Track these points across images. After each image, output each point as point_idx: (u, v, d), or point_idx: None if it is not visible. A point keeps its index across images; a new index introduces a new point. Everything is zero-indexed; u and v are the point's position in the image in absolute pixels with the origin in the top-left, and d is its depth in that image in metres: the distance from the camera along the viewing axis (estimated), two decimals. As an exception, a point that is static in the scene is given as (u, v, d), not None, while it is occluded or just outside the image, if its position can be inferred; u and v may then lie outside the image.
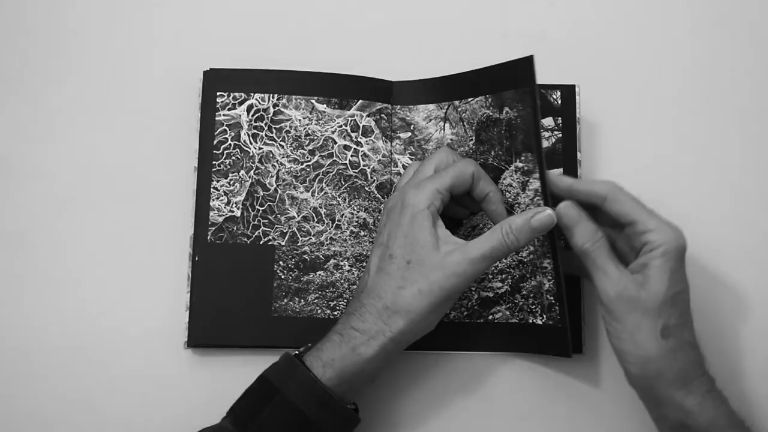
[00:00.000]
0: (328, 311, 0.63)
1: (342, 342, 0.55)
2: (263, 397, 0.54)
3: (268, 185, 0.65)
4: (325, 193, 0.65)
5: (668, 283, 0.53)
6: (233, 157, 0.64)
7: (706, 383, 0.54)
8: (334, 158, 0.65)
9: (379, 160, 0.66)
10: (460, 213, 0.63)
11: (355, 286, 0.64)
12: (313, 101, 0.65)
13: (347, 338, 0.55)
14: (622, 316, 0.54)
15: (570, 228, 0.56)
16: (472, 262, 0.55)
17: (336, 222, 0.65)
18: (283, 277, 0.63)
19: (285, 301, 0.63)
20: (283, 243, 0.64)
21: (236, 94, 0.65)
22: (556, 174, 0.59)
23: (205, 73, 0.65)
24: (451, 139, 0.65)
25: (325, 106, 0.66)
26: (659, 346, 0.53)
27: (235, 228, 0.64)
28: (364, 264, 0.64)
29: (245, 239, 0.64)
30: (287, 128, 0.65)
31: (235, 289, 0.63)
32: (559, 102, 0.66)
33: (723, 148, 0.67)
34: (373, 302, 0.56)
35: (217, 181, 0.64)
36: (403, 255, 0.56)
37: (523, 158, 0.62)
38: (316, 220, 0.65)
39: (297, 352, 0.57)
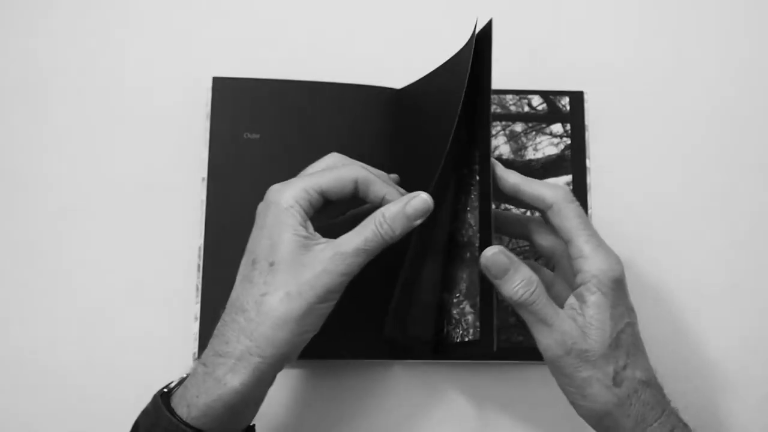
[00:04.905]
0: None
1: (206, 373, 0.48)
2: None
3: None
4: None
5: (609, 322, 0.48)
6: (242, 167, 0.64)
7: (667, 423, 0.49)
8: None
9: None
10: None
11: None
12: None
13: (211, 367, 0.48)
14: (571, 372, 0.48)
15: (500, 277, 0.50)
16: (344, 257, 0.49)
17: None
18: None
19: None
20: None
21: None
22: (503, 168, 0.53)
23: (214, 80, 0.65)
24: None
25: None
26: (614, 396, 0.48)
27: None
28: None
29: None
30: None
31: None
32: (568, 108, 0.66)
33: (735, 153, 0.68)
34: (236, 317, 0.49)
35: (226, 191, 0.64)
36: (266, 257, 0.49)
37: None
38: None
39: (166, 389, 0.51)
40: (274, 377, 0.51)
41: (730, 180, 0.67)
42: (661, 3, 0.71)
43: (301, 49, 0.69)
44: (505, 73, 0.66)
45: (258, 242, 0.50)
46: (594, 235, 0.50)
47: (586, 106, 0.66)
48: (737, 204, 0.67)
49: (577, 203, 0.52)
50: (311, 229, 0.50)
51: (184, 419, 0.48)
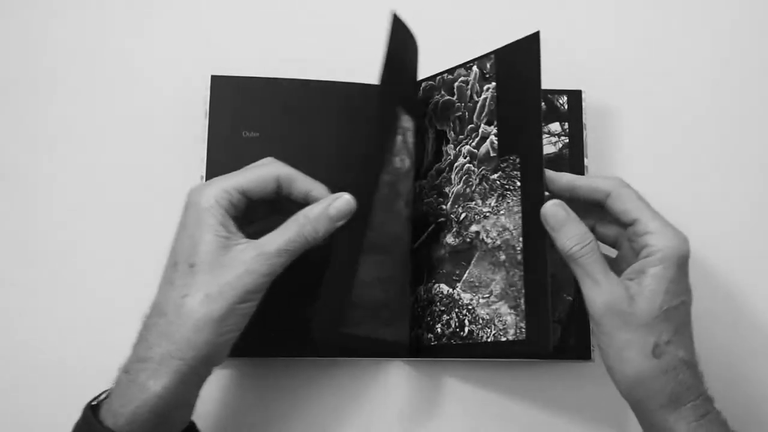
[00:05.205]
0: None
1: (129, 381, 0.48)
2: None
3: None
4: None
5: (664, 296, 0.48)
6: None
7: (702, 407, 0.49)
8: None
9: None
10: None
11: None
12: None
13: (134, 374, 0.48)
14: (611, 331, 0.49)
15: (557, 229, 0.51)
16: (267, 257, 0.49)
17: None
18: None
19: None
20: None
21: None
22: (553, 171, 0.55)
23: (213, 78, 0.65)
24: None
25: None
26: (650, 366, 0.48)
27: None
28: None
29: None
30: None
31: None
32: (566, 107, 0.66)
33: (732, 152, 0.67)
34: (157, 321, 0.49)
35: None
36: (186, 259, 0.49)
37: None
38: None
39: (95, 402, 0.50)
40: (200, 379, 0.50)
41: (730, 178, 0.67)
42: (660, 1, 0.70)
43: (300, 47, 0.69)
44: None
45: (179, 244, 0.50)
46: (658, 214, 0.51)
47: (584, 105, 0.65)
48: (737, 202, 0.66)
49: (633, 188, 0.53)
50: (233, 228, 0.51)
51: (112, 428, 0.47)
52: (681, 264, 0.50)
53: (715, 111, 0.68)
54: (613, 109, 0.68)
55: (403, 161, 0.59)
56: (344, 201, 0.52)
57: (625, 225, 0.53)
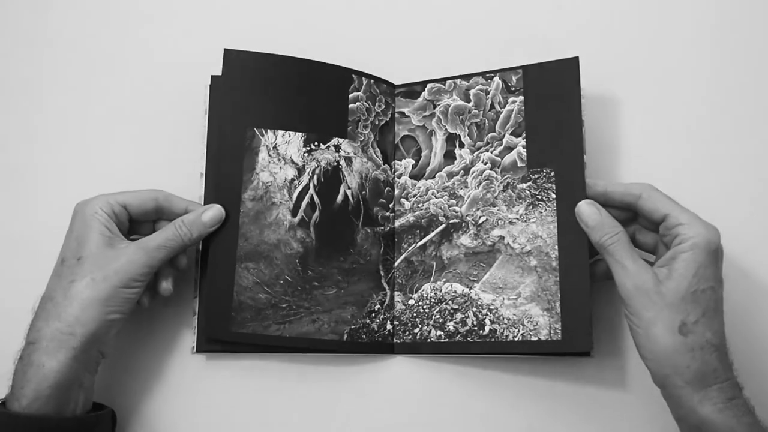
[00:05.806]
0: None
1: (25, 365, 0.53)
2: None
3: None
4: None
5: (691, 278, 0.52)
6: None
7: (729, 390, 0.51)
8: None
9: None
10: None
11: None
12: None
13: (27, 358, 0.53)
14: (639, 310, 0.52)
15: (589, 225, 0.57)
16: (147, 250, 0.57)
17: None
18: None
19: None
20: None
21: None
22: (588, 179, 0.60)
23: (212, 78, 0.65)
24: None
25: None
26: (675, 342, 0.51)
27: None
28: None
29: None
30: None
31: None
32: None
33: (733, 149, 0.68)
34: (45, 306, 0.55)
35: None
36: (74, 255, 0.56)
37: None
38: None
39: (2, 402, 0.55)
40: (90, 360, 0.55)
41: (731, 178, 0.67)
42: (658, -1, 0.71)
43: (298, 47, 0.68)
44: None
45: (67, 245, 0.57)
46: (687, 209, 0.55)
47: (583, 101, 0.66)
48: (737, 203, 0.67)
49: (662, 191, 0.57)
50: (116, 231, 0.58)
51: (18, 411, 0.52)
52: (711, 251, 0.53)
53: (716, 106, 0.68)
54: (611, 106, 0.68)
55: (274, 174, 0.62)
56: (215, 209, 0.60)
57: (657, 223, 0.57)
